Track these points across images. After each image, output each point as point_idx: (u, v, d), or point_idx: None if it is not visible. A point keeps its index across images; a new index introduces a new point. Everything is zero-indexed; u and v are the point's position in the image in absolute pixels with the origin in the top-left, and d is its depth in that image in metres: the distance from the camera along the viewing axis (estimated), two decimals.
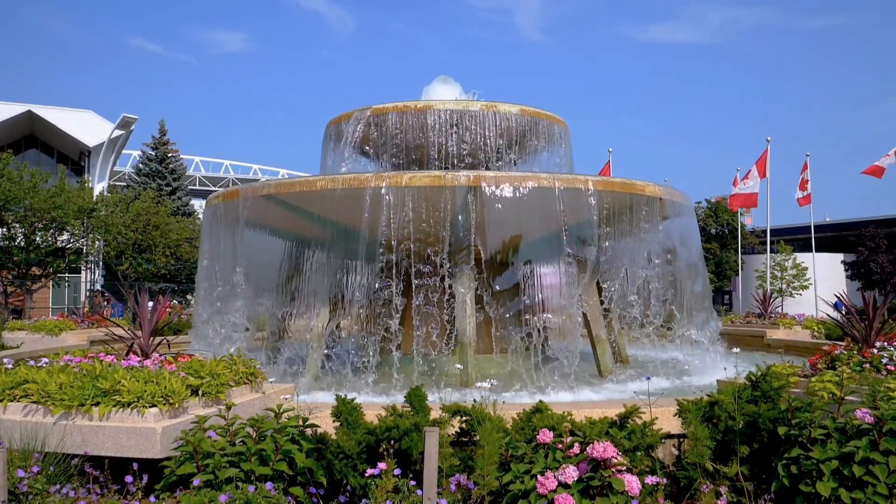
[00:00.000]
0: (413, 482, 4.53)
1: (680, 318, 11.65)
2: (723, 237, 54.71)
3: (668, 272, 11.53)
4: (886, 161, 31.72)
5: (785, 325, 16.39)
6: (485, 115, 12.57)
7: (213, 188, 75.30)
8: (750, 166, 33.75)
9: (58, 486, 4.58)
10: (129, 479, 4.80)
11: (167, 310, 7.78)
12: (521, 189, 9.64)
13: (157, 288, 38.84)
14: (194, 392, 5.75)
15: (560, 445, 4.54)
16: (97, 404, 5.22)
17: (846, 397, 5.21)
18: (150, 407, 5.18)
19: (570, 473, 4.20)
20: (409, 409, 5.27)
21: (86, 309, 17.89)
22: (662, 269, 11.47)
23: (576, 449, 4.45)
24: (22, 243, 34.19)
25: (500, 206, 9.79)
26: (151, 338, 7.45)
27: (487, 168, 12.90)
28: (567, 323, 10.86)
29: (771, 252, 42.79)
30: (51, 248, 35.25)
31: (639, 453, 4.84)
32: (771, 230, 38.82)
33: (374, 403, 7.09)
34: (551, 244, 10.70)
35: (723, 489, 4.75)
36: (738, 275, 48.76)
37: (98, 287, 43.10)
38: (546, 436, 4.59)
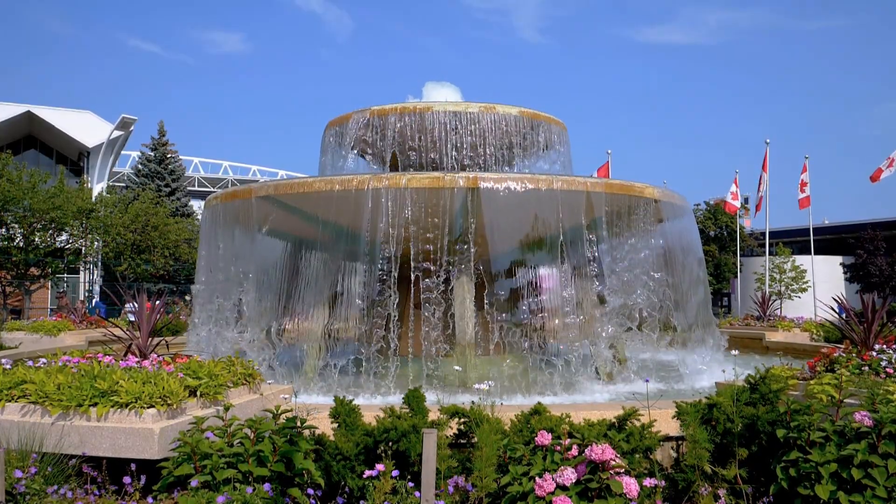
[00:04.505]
0: (411, 484, 4.53)
1: (679, 320, 11.65)
2: (721, 239, 54.73)
3: (667, 274, 11.53)
4: (887, 166, 31.80)
5: (784, 328, 16.40)
6: (484, 116, 12.58)
7: (212, 189, 75.29)
8: (748, 168, 34.09)
9: (55, 487, 4.57)
10: (126, 479, 4.79)
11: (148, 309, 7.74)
12: (520, 190, 9.63)
13: (155, 289, 38.84)
14: (192, 393, 5.75)
15: (558, 447, 4.53)
16: (95, 405, 5.21)
17: (845, 400, 5.20)
18: (148, 408, 5.18)
19: (569, 475, 4.19)
20: (408, 410, 5.27)
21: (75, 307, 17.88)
22: (661, 271, 11.47)
23: (574, 451, 4.45)
24: (21, 244, 34.14)
25: (498, 207, 9.78)
26: (150, 338, 7.45)
27: (486, 169, 12.90)
28: (565, 324, 10.85)
29: (770, 254, 42.80)
30: (49, 249, 35.21)
31: (637, 455, 4.84)
32: (770, 232, 38.87)
33: (373, 405, 7.10)
34: (550, 245, 10.70)
35: (721, 492, 4.74)
36: (736, 277, 48.80)
37: (98, 287, 43.07)
38: (544, 438, 4.59)
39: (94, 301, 36.45)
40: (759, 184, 34.89)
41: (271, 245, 12.57)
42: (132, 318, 10.74)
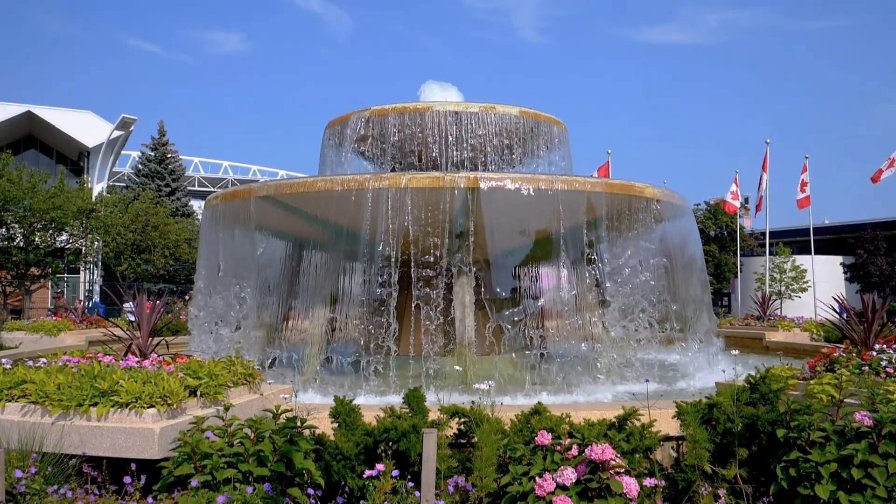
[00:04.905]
0: (411, 483, 4.53)
1: (679, 320, 11.65)
2: (722, 239, 54.75)
3: (667, 275, 11.52)
4: (888, 167, 31.87)
5: (784, 328, 16.39)
6: (484, 116, 12.58)
7: (212, 189, 75.29)
8: (748, 168, 34.16)
9: (56, 487, 4.57)
10: (127, 479, 4.79)
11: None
12: (520, 190, 9.63)
13: (155, 289, 38.84)
14: (192, 393, 5.75)
15: (558, 447, 4.53)
16: (95, 405, 5.21)
17: (845, 400, 5.20)
18: (149, 407, 5.18)
19: (569, 475, 4.19)
20: (408, 410, 5.27)
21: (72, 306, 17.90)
22: (661, 271, 11.46)
23: (574, 451, 4.45)
24: (21, 244, 34.13)
25: (498, 207, 9.78)
26: (150, 338, 7.45)
27: (487, 169, 12.90)
28: (566, 324, 10.85)
29: (770, 254, 42.79)
30: (50, 249, 35.20)
31: (637, 455, 4.84)
32: (770, 232, 38.85)
33: (373, 405, 7.09)
34: (550, 245, 10.70)
35: (721, 491, 4.74)
36: (737, 277, 48.79)
37: (99, 287, 43.09)
38: (544, 437, 4.59)
39: (91, 301, 36.37)
40: (760, 184, 34.94)
41: (272, 245, 12.57)
42: (131, 318, 10.74)
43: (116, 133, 48.58)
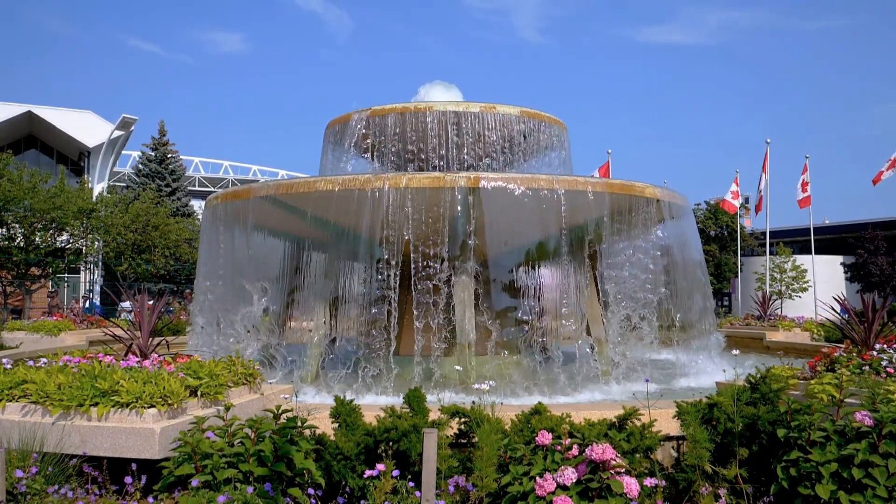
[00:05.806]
0: (411, 483, 4.53)
1: (679, 319, 11.64)
2: (722, 239, 54.74)
3: (667, 274, 11.52)
4: (888, 168, 31.92)
5: (784, 328, 16.39)
6: (484, 116, 12.56)
7: (212, 189, 75.28)
8: (748, 168, 34.20)
9: (56, 487, 4.57)
10: (127, 479, 4.80)
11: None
12: (521, 190, 9.63)
13: (156, 289, 38.80)
14: (193, 393, 5.75)
15: (559, 447, 4.53)
16: (96, 405, 5.22)
17: (845, 400, 5.20)
18: (149, 407, 5.18)
19: (569, 475, 4.19)
20: (408, 410, 5.28)
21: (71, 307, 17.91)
22: (661, 270, 11.45)
23: (574, 451, 4.45)
24: (21, 243, 34.13)
25: (499, 207, 9.77)
26: (150, 338, 7.45)
27: (487, 169, 12.90)
28: (566, 324, 10.84)
29: (770, 254, 42.78)
30: (50, 249, 35.20)
31: (638, 455, 4.84)
32: (770, 232, 38.85)
33: (373, 405, 7.10)
34: (551, 245, 10.69)
35: (722, 491, 4.74)
36: (737, 277, 48.79)
37: (99, 287, 43.09)
38: (545, 437, 4.59)
39: (89, 301, 36.30)
40: (760, 184, 34.95)
41: (272, 245, 12.56)
42: (127, 317, 10.73)
43: (117, 133, 48.58)
